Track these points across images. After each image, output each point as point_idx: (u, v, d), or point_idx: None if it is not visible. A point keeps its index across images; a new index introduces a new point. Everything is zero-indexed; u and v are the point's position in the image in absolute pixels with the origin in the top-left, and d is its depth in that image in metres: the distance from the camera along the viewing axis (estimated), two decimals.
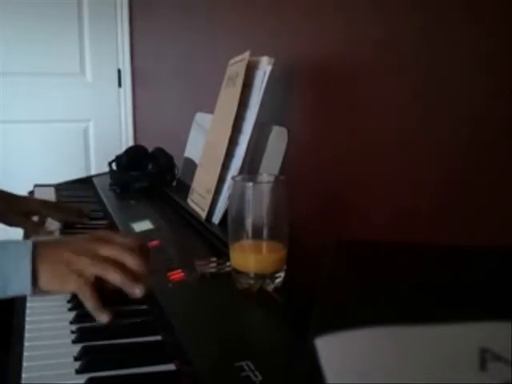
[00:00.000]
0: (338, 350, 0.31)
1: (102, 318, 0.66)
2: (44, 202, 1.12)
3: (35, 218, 1.07)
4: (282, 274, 0.66)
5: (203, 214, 0.93)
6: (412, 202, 0.71)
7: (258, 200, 0.65)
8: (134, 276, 0.67)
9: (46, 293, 0.68)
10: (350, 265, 0.43)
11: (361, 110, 0.83)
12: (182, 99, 1.86)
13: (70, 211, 1.09)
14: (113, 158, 1.34)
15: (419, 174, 0.70)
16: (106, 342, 0.61)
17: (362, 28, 0.82)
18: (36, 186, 1.47)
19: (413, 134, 0.71)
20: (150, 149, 1.37)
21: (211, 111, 1.07)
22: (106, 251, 0.70)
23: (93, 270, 0.68)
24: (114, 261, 0.69)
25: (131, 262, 0.69)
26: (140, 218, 1.03)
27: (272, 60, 0.85)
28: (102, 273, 0.67)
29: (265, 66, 0.86)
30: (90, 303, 0.66)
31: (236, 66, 0.94)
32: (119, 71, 2.57)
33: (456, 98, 0.63)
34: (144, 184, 1.27)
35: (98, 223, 1.14)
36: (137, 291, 0.67)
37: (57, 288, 0.68)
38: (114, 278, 0.67)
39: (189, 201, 1.05)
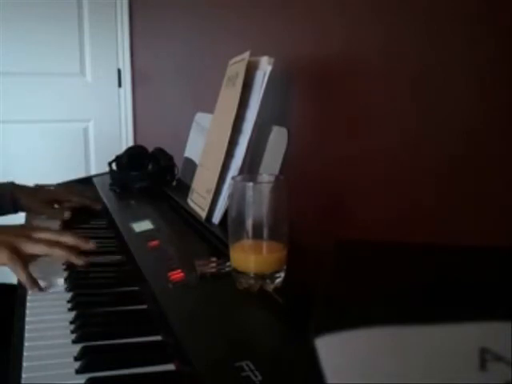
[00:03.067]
0: (338, 350, 0.31)
1: (34, 288, 0.79)
2: (64, 189, 1.29)
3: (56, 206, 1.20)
4: (282, 274, 0.66)
5: (203, 214, 0.93)
6: (412, 202, 0.71)
7: (258, 200, 0.65)
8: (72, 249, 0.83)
9: None
10: (350, 265, 0.43)
11: (360, 109, 0.83)
12: (182, 99, 1.86)
13: (85, 196, 1.23)
14: (113, 158, 1.34)
15: (419, 174, 0.70)
16: (106, 342, 0.61)
17: (362, 28, 0.82)
18: (36, 186, 1.47)
19: (413, 134, 0.71)
20: (150, 149, 1.37)
21: (211, 111, 1.07)
22: (40, 235, 0.83)
23: (29, 247, 0.81)
24: (49, 241, 0.83)
25: (66, 239, 0.84)
26: (140, 217, 1.03)
27: (272, 60, 0.85)
28: (40, 250, 0.82)
29: (265, 66, 0.86)
30: (21, 275, 0.79)
31: (236, 66, 0.94)
32: (119, 71, 2.57)
33: (456, 97, 0.63)
34: (144, 184, 1.27)
35: (98, 223, 1.14)
36: (80, 262, 0.82)
37: None
38: (59, 253, 0.82)
39: (189, 201, 1.05)
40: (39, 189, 1.26)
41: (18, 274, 0.79)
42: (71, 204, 1.19)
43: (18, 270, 0.79)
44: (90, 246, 0.86)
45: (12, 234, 0.83)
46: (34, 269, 0.86)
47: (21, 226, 0.93)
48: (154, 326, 0.65)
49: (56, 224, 1.11)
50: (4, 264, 0.80)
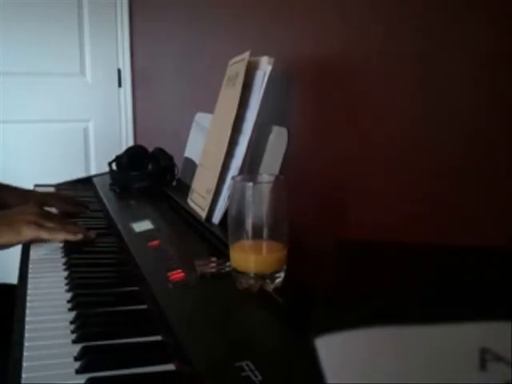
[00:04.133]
0: (338, 350, 0.31)
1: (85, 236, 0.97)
2: (51, 194, 1.31)
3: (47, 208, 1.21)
4: (282, 274, 0.66)
5: (203, 214, 0.93)
6: (412, 202, 0.71)
7: (258, 200, 0.65)
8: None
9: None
10: (350, 265, 0.43)
11: (360, 109, 0.83)
12: (182, 99, 1.86)
13: (73, 202, 1.25)
14: (113, 157, 1.34)
15: (419, 174, 0.70)
16: (106, 342, 0.61)
17: (361, 28, 0.82)
18: (36, 186, 1.47)
19: (413, 134, 0.71)
20: (150, 149, 1.37)
21: (211, 111, 1.07)
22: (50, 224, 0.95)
23: (49, 224, 0.95)
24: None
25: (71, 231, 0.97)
26: (140, 217, 1.03)
27: (272, 60, 0.85)
28: (57, 227, 0.95)
29: (265, 66, 0.86)
30: (62, 235, 0.95)
31: (236, 66, 0.94)
32: (119, 71, 2.57)
33: (456, 97, 0.63)
34: (144, 184, 1.27)
35: (98, 223, 1.14)
36: (93, 235, 0.99)
37: (12, 239, 0.92)
38: (73, 229, 0.97)
39: (189, 201, 1.05)
40: (30, 192, 1.27)
41: (57, 238, 0.95)
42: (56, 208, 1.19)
43: (56, 235, 0.95)
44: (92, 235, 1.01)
45: (31, 212, 0.95)
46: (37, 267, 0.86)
47: (33, 205, 1.01)
48: (153, 326, 0.65)
49: None
50: (37, 236, 0.93)
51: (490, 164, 0.59)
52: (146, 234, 0.93)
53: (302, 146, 0.94)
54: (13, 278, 0.88)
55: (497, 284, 0.38)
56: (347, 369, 0.30)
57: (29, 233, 0.92)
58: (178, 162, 1.33)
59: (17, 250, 0.97)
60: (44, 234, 0.93)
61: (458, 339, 0.31)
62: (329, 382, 0.29)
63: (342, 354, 0.31)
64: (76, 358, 0.58)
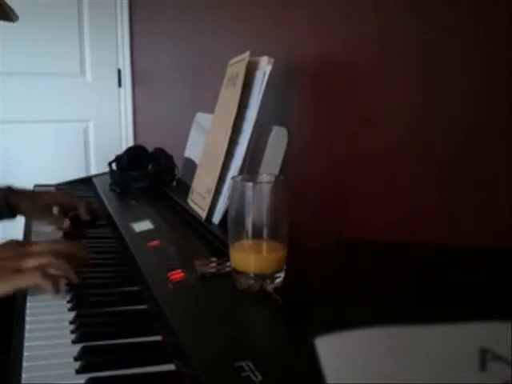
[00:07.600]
0: (338, 350, 0.31)
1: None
2: (69, 196, 1.22)
3: (55, 210, 1.14)
4: (282, 274, 0.66)
5: (203, 214, 0.93)
6: (412, 202, 0.71)
7: (258, 200, 0.65)
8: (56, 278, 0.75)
9: None
10: (350, 265, 0.43)
11: (360, 109, 0.83)
12: (182, 99, 1.86)
13: (91, 206, 1.16)
14: (113, 158, 1.34)
15: (419, 174, 0.70)
16: (106, 342, 0.61)
17: (362, 28, 0.82)
18: (36, 185, 1.47)
19: (413, 134, 0.71)
20: (150, 149, 1.37)
21: (211, 111, 1.07)
22: (31, 262, 0.74)
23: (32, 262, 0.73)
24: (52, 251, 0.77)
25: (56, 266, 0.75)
26: (140, 218, 1.03)
27: (272, 60, 0.85)
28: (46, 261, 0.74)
29: (265, 66, 0.86)
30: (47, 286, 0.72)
31: (236, 66, 0.94)
32: (119, 71, 2.57)
33: (456, 98, 0.63)
34: (144, 184, 1.27)
35: (98, 223, 1.14)
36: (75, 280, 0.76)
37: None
38: (64, 266, 0.75)
39: (189, 201, 1.05)
40: (39, 193, 1.22)
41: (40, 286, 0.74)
42: (76, 212, 1.12)
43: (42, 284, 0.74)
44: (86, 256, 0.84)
45: (14, 256, 0.76)
46: None
47: (17, 244, 0.83)
48: (154, 325, 0.65)
49: (59, 232, 1.08)
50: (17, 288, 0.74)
51: (490, 164, 0.59)
52: (145, 234, 0.93)
53: (302, 146, 0.94)
54: None
55: (497, 284, 0.38)
56: (347, 369, 0.30)
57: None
58: (178, 162, 1.33)
59: None
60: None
61: (458, 339, 0.31)
62: (329, 381, 0.29)
63: (342, 354, 0.31)
64: (76, 358, 0.58)
